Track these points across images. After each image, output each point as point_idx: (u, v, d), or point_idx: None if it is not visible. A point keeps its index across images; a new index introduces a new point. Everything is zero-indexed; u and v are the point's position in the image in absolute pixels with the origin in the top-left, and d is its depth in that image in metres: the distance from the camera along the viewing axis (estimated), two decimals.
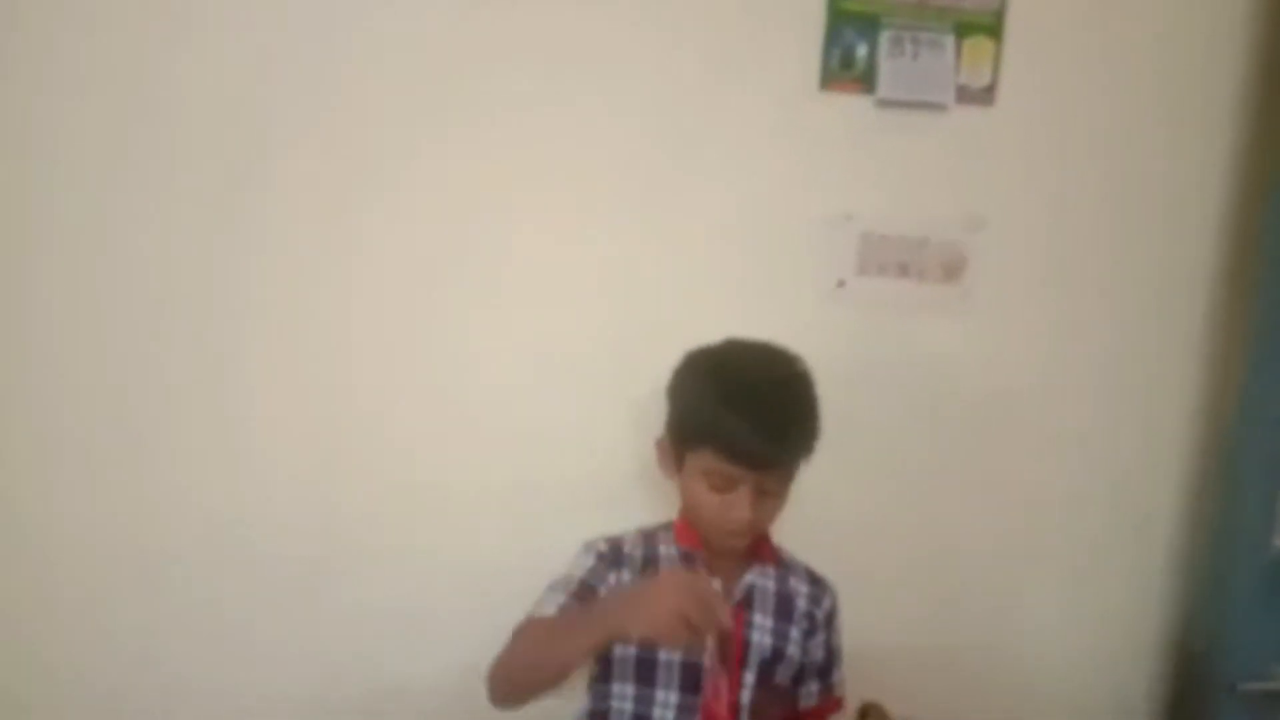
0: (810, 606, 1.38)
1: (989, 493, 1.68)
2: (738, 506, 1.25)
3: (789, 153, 1.57)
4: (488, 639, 1.29)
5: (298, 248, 1.51)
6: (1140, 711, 1.75)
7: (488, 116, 1.51)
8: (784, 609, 1.35)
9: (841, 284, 1.59)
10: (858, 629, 1.49)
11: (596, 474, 1.56)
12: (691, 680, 1.28)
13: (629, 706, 1.30)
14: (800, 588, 1.38)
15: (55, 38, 1.44)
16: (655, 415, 1.39)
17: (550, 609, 1.30)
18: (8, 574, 1.53)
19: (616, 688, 1.31)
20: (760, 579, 1.35)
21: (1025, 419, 1.67)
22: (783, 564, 1.39)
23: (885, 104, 1.56)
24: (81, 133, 1.46)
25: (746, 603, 1.33)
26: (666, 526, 1.39)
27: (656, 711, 1.28)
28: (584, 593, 1.32)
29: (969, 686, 1.68)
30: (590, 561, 1.35)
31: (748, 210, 1.57)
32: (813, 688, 1.39)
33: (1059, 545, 1.70)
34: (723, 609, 1.14)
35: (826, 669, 1.41)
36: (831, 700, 1.41)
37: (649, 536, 1.38)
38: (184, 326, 1.51)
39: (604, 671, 1.33)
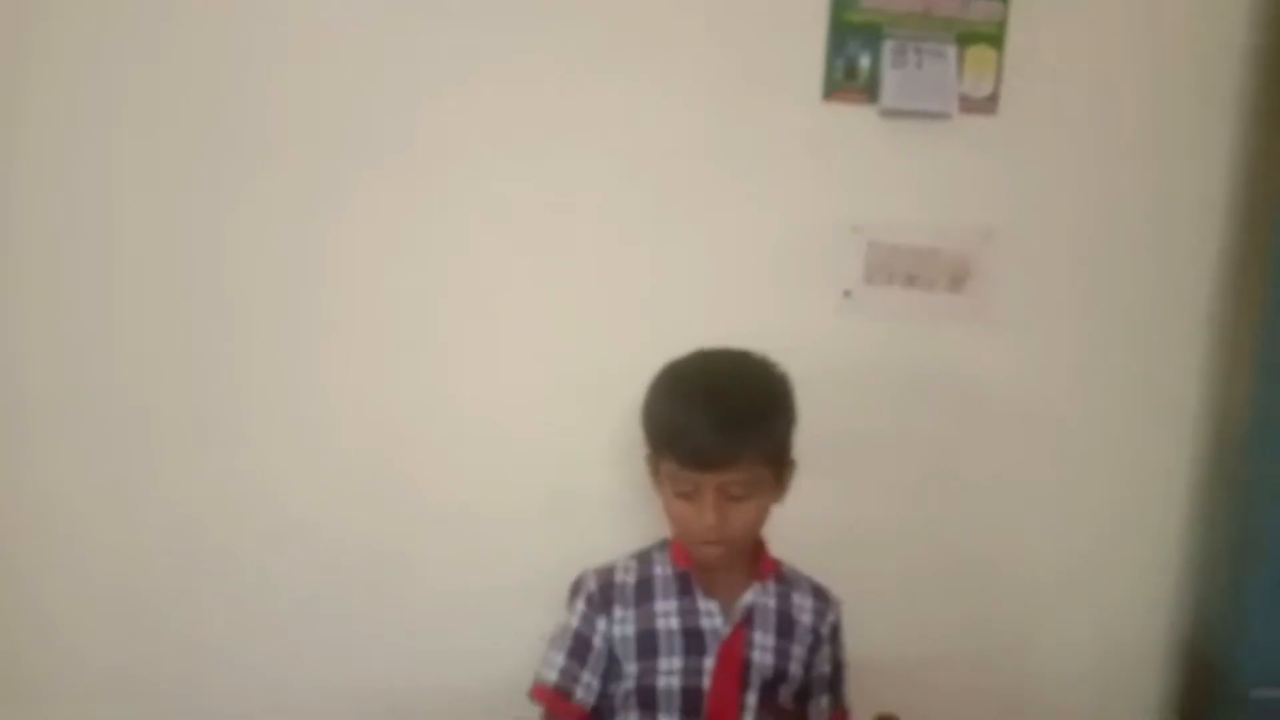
0: (815, 621, 1.36)
1: (999, 501, 1.67)
2: (703, 512, 1.22)
3: (793, 163, 1.57)
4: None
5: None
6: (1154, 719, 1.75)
7: (493, 131, 1.52)
8: (785, 627, 1.33)
9: (848, 294, 1.59)
10: (870, 641, 1.47)
11: (604, 484, 1.56)
12: (692, 705, 1.27)
13: None
14: (804, 603, 1.36)
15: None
16: None
17: (552, 674, 1.31)
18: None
19: (621, 716, 1.31)
20: (760, 597, 1.33)
21: (1035, 427, 1.66)
22: (784, 580, 1.37)
23: (889, 114, 1.56)
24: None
25: (746, 622, 1.31)
26: (662, 545, 1.37)
27: None
28: (579, 648, 1.31)
29: (980, 694, 1.67)
30: (581, 607, 1.33)
31: (752, 221, 1.57)
32: (823, 703, 1.38)
33: (1070, 553, 1.69)
34: None
35: (835, 682, 1.39)
36: (841, 712, 1.40)
37: (644, 558, 1.36)
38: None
39: (610, 706, 1.33)
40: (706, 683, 1.27)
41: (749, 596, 1.31)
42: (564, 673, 1.31)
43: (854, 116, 1.56)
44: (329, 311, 1.53)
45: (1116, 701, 1.73)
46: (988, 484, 1.67)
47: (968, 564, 1.68)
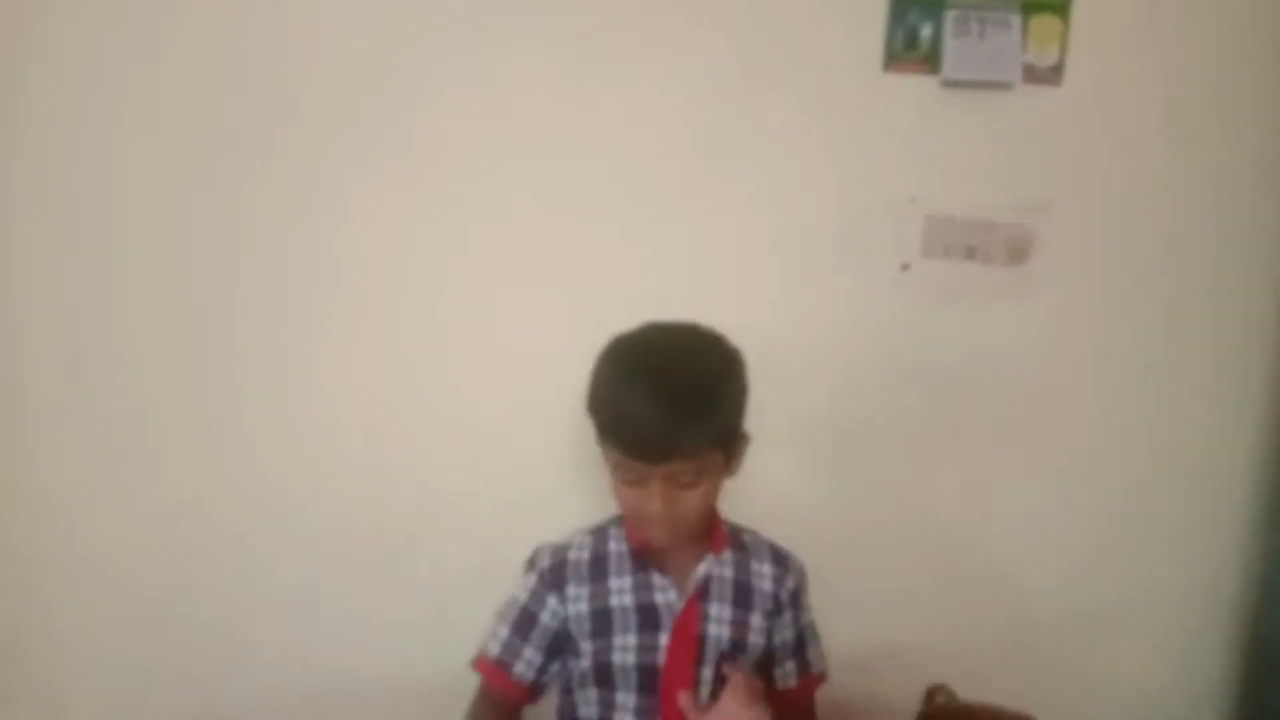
0: (774, 588, 1.32)
1: (1059, 480, 1.65)
2: (649, 500, 1.19)
3: (852, 135, 1.55)
4: None
5: (361, 253, 1.54)
6: (1215, 700, 1.73)
7: (535, 100, 1.52)
8: (743, 596, 1.31)
9: (906, 267, 1.58)
10: (922, 620, 1.47)
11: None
12: (649, 681, 1.26)
13: (594, 711, 1.28)
14: (763, 569, 1.33)
15: (143, 51, 1.48)
16: None
17: (495, 647, 1.32)
18: (82, 575, 1.59)
19: (580, 694, 1.30)
20: (717, 568, 1.30)
21: (1094, 404, 1.64)
22: (743, 547, 1.34)
23: (950, 84, 1.54)
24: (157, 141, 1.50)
25: (702, 595, 1.29)
26: (618, 520, 1.33)
27: (618, 715, 1.27)
28: (525, 623, 1.31)
29: (1040, 675, 1.65)
30: (532, 582, 1.32)
31: (810, 194, 1.56)
32: (789, 667, 1.35)
33: (1128, 532, 1.67)
34: None
35: (800, 647, 1.36)
36: (812, 677, 1.37)
37: (599, 534, 1.34)
38: (252, 329, 1.55)
39: (567, 685, 1.33)
40: (662, 659, 1.26)
41: (702, 569, 1.29)
42: (506, 646, 1.31)
43: (914, 87, 1.54)
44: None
45: (1177, 682, 1.72)
46: (1044, 460, 1.65)
47: (1019, 543, 1.66)
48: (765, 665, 1.33)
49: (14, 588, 1.60)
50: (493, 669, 1.32)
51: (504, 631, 1.32)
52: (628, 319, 1.27)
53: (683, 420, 1.14)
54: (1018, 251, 1.58)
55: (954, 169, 1.57)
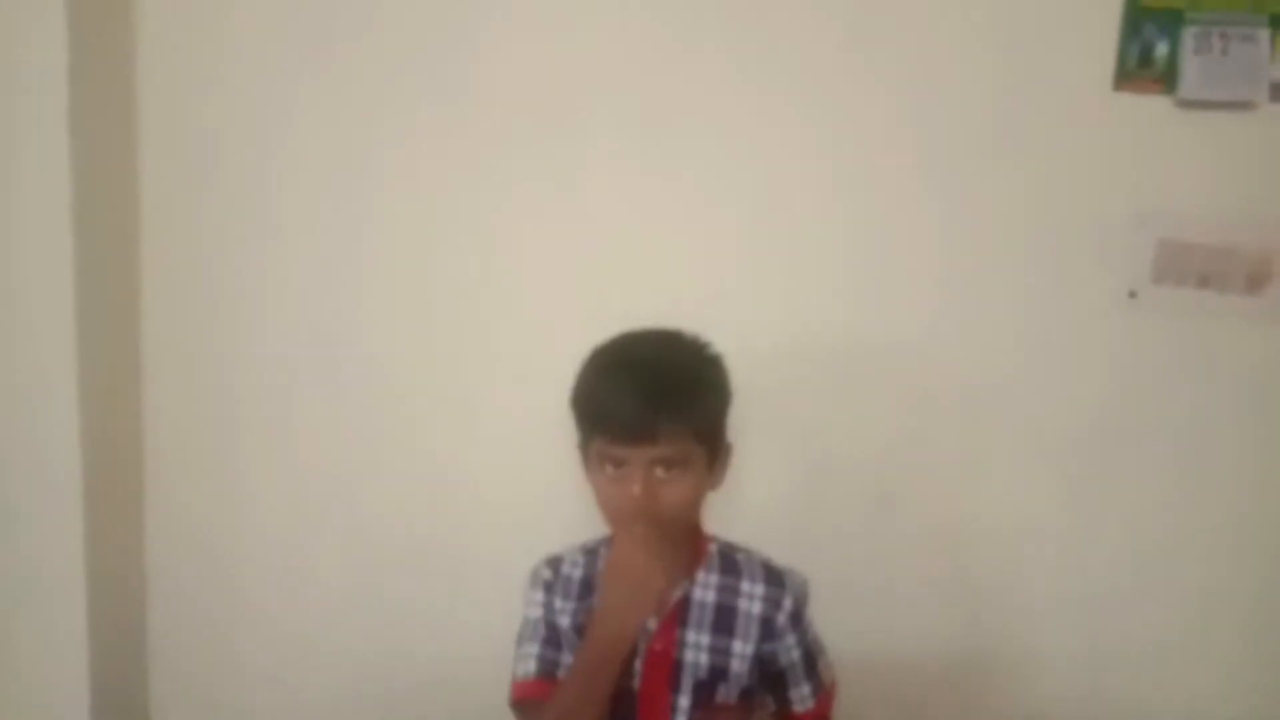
0: (766, 610, 1.26)
1: None
2: (630, 485, 1.16)
3: (1078, 156, 1.50)
4: None
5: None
6: None
7: (756, 119, 1.54)
8: (725, 622, 1.25)
9: (1134, 295, 1.51)
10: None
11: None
12: (625, 705, 1.22)
13: None
14: (754, 590, 1.27)
15: None
16: None
17: (531, 665, 1.26)
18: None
19: None
20: (699, 591, 1.26)
21: None
22: (733, 568, 1.28)
23: (1186, 104, 1.46)
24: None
25: (680, 620, 1.25)
26: (608, 541, 1.29)
27: None
28: (551, 635, 1.27)
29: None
30: (540, 596, 1.29)
31: (1033, 214, 1.52)
32: (805, 690, 1.29)
33: None
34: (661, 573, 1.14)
35: (810, 666, 1.30)
36: (827, 693, 1.31)
37: (590, 553, 1.31)
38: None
39: None
40: (637, 684, 1.22)
41: (678, 592, 1.24)
42: (542, 660, 1.26)
43: (1146, 106, 1.48)
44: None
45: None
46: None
47: (1249, 578, 1.56)
48: (778, 689, 1.29)
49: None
50: (538, 685, 1.26)
51: (534, 649, 1.27)
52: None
53: (664, 401, 1.16)
54: (1258, 279, 1.49)
55: (1187, 191, 1.50)
